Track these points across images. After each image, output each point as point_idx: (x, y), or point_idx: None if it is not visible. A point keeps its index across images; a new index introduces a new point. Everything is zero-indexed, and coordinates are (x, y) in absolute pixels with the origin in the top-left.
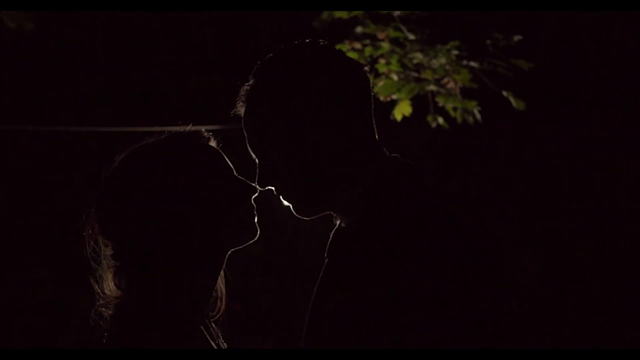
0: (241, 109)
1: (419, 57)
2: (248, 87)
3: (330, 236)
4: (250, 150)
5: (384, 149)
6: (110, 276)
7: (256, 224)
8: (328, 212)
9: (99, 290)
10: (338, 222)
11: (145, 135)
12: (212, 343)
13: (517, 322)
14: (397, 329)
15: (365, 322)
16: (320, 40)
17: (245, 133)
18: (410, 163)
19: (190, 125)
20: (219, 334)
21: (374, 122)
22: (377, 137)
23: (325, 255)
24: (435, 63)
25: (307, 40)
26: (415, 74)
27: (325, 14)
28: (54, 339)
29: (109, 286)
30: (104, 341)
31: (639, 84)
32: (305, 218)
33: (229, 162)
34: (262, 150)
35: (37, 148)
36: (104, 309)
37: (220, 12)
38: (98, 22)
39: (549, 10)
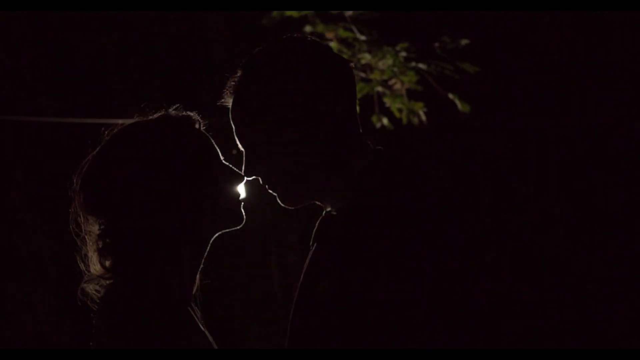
0: (229, 100)
1: (367, 57)
2: (237, 79)
3: (317, 223)
4: (237, 140)
5: (368, 141)
6: (95, 255)
7: (242, 210)
8: (314, 202)
9: (84, 269)
10: (325, 211)
11: (89, 127)
12: (200, 325)
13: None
14: (385, 315)
15: (353, 307)
16: (309, 35)
17: (232, 123)
18: (394, 154)
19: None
20: (199, 316)
21: (357, 115)
22: (361, 130)
23: (312, 242)
24: (383, 64)
25: (296, 35)
26: (362, 74)
27: (275, 12)
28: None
29: (94, 265)
30: (93, 322)
31: (587, 85)
32: (290, 207)
33: (217, 148)
34: (250, 140)
35: None
36: (89, 287)
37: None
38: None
39: (497, 11)
